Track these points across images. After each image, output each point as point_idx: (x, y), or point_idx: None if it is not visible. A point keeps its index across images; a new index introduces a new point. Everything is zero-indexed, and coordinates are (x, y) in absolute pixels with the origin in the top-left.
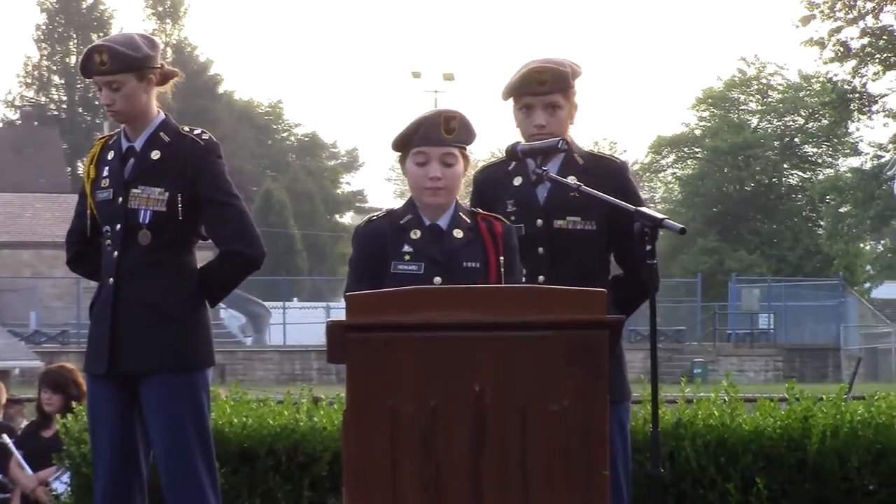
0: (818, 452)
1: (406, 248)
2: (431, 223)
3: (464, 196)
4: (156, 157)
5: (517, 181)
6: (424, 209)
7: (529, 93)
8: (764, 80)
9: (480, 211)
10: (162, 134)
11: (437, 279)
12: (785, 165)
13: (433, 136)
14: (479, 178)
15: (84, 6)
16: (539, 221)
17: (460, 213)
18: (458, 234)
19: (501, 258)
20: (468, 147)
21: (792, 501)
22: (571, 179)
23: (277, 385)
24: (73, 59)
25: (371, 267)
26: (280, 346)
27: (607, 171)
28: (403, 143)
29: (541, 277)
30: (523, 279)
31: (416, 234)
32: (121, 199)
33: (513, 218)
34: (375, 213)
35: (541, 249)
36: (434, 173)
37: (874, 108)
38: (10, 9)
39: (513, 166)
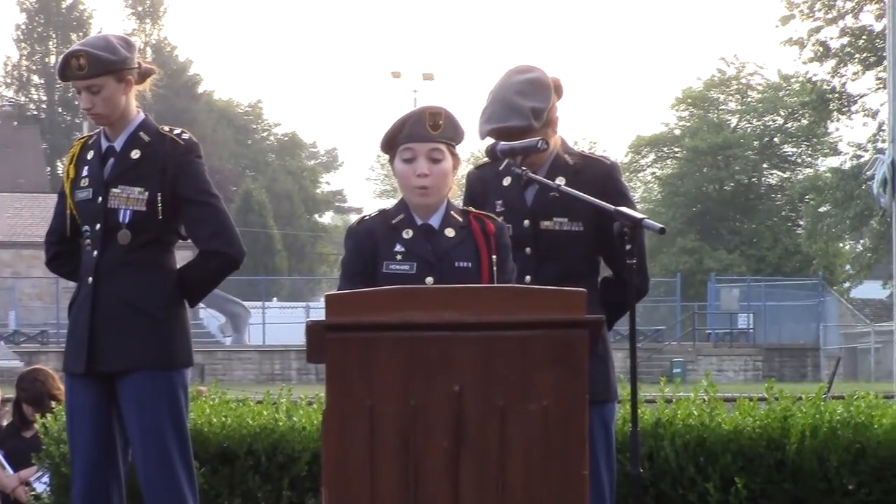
0: (797, 452)
1: (398, 248)
2: (423, 223)
3: (458, 196)
4: (135, 156)
5: (506, 181)
6: (416, 208)
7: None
8: (743, 80)
9: (473, 210)
10: (142, 133)
11: (429, 279)
12: (764, 165)
13: (419, 133)
14: (471, 177)
15: (64, 6)
16: (526, 222)
17: (452, 213)
18: (449, 233)
19: (494, 257)
20: (457, 145)
21: (771, 501)
22: (560, 180)
23: (257, 385)
24: (52, 59)
25: (363, 267)
26: (259, 346)
27: (597, 172)
28: (390, 143)
29: (528, 278)
30: (515, 278)
31: (407, 234)
32: (100, 199)
33: (501, 218)
34: (368, 213)
35: (528, 250)
36: (421, 170)
37: (854, 107)
38: None
39: (503, 167)
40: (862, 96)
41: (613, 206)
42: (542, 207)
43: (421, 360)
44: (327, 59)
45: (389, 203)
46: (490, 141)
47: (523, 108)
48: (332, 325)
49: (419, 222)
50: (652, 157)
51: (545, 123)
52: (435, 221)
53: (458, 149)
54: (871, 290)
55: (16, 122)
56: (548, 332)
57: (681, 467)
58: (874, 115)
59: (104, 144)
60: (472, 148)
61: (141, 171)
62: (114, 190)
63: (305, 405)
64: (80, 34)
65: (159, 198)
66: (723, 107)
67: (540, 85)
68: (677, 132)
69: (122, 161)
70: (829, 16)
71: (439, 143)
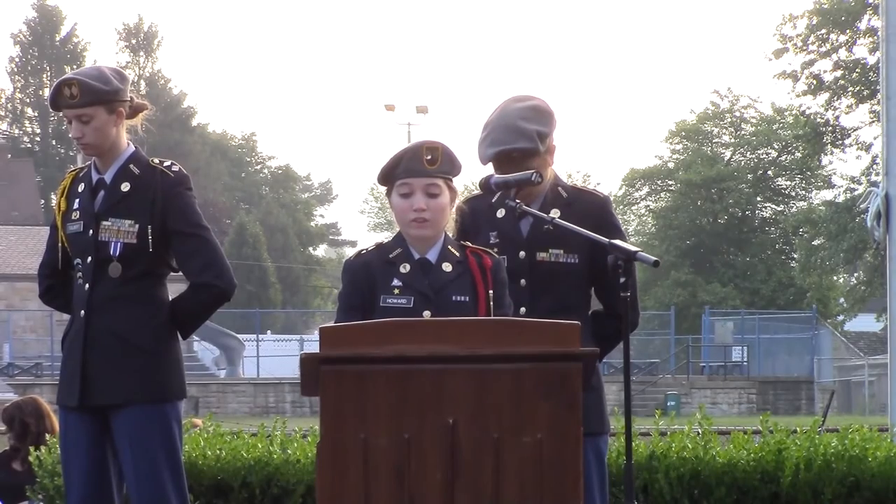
0: (792, 485)
1: (395, 282)
2: (421, 257)
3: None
4: (126, 189)
5: (500, 213)
6: (413, 242)
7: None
8: (737, 113)
9: (470, 245)
10: (132, 166)
11: (427, 313)
12: (758, 198)
13: (415, 168)
14: (464, 208)
15: (58, 39)
16: (522, 254)
17: (449, 247)
18: (446, 267)
19: (491, 292)
20: (454, 178)
21: None
22: (555, 212)
23: (251, 417)
24: (46, 92)
25: (359, 300)
26: (254, 379)
27: (590, 205)
28: (388, 177)
29: (522, 310)
30: (511, 312)
31: (405, 268)
32: (91, 232)
33: (496, 250)
34: (365, 247)
35: (523, 281)
36: (418, 204)
37: (847, 140)
38: None
39: (496, 199)
40: (855, 129)
41: (608, 240)
42: (538, 239)
43: (415, 393)
44: (321, 92)
45: (384, 236)
46: (491, 167)
47: (529, 130)
48: (326, 358)
49: (416, 256)
50: (646, 190)
51: (546, 150)
52: (432, 256)
53: (455, 182)
54: (865, 322)
55: (10, 155)
56: (541, 364)
57: (675, 500)
58: (868, 148)
59: (95, 177)
60: (466, 181)
61: (131, 204)
62: (104, 223)
63: (300, 438)
64: (74, 67)
65: (150, 230)
66: (716, 140)
67: (542, 111)
68: (671, 165)
69: (112, 194)
70: (823, 49)
71: (436, 178)
